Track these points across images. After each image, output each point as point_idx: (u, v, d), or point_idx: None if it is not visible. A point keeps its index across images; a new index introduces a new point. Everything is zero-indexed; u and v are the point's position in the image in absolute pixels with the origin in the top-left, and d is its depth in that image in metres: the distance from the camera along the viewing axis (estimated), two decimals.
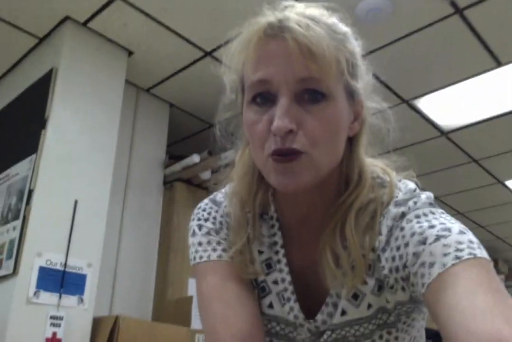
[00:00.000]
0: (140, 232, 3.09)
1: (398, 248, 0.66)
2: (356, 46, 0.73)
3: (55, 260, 2.27)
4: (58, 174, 2.42)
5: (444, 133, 3.84)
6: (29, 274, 2.18)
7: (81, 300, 2.31)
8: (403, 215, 0.68)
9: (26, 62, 2.98)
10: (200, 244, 0.79)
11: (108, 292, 2.80)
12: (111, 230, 2.84)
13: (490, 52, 2.93)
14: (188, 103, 3.48)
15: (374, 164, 0.79)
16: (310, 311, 0.74)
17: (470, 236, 0.64)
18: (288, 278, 0.75)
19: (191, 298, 2.80)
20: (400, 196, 0.72)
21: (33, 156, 2.41)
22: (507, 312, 0.53)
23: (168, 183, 3.31)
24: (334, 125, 0.68)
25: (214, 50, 2.91)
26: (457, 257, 0.59)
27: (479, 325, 0.52)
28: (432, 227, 0.64)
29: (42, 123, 2.47)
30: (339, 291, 0.71)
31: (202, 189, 3.37)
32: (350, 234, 0.69)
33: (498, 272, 6.69)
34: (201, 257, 0.78)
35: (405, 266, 0.64)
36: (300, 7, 0.70)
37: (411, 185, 0.75)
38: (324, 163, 0.68)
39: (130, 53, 2.95)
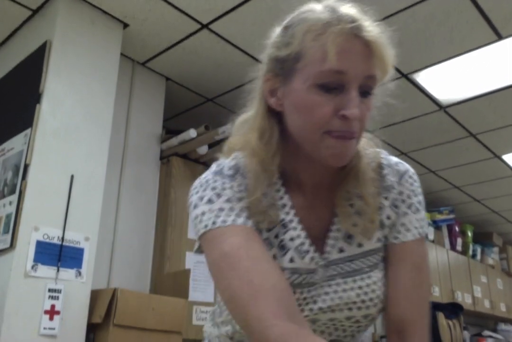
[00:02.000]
0: (137, 206, 3.10)
1: (400, 200, 0.91)
2: None
3: (52, 234, 2.28)
4: (54, 148, 2.41)
5: (442, 107, 3.82)
6: (26, 248, 2.19)
7: (79, 273, 2.33)
8: (402, 173, 0.93)
9: (19, 35, 2.93)
10: (221, 209, 0.83)
11: (106, 265, 2.83)
12: (108, 204, 2.85)
13: (491, 25, 2.90)
14: (185, 77, 3.45)
15: None
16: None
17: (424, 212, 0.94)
18: (303, 233, 0.88)
19: (188, 271, 2.83)
20: (385, 156, 0.95)
21: (28, 130, 2.39)
22: (421, 299, 0.87)
23: (164, 157, 3.31)
24: (370, 114, 0.85)
25: (211, 22, 2.87)
26: (419, 233, 0.90)
27: (398, 308, 0.86)
28: (416, 195, 0.92)
29: (36, 97, 2.45)
30: (340, 227, 0.88)
31: (199, 163, 3.37)
32: (363, 184, 0.88)
33: (493, 244, 6.77)
34: (224, 221, 0.81)
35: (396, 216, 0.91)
36: (355, 10, 0.85)
37: (383, 150, 0.98)
38: (358, 143, 0.86)
39: (125, 25, 2.90)
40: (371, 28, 0.81)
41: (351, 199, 0.89)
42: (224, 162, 0.92)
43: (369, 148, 0.94)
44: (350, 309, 0.85)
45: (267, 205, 0.86)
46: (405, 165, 0.95)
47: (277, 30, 0.90)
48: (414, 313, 0.86)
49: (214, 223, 0.82)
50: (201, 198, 0.86)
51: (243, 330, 0.77)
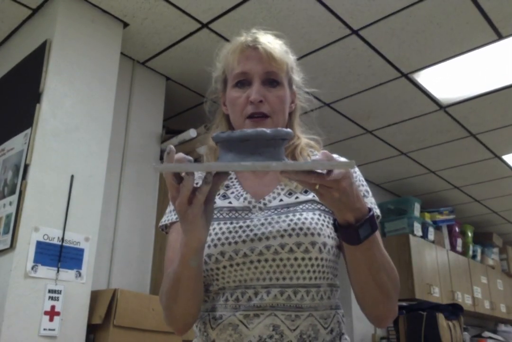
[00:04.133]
0: (137, 206, 3.09)
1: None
2: (292, 58, 1.18)
3: (52, 234, 2.27)
4: (54, 148, 2.40)
5: (442, 107, 3.82)
6: (26, 249, 2.19)
7: (79, 274, 2.32)
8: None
9: (19, 34, 2.93)
10: (169, 212, 1.16)
11: (106, 265, 2.82)
12: (109, 204, 2.84)
13: (491, 24, 2.90)
14: (185, 77, 3.44)
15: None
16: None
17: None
18: (241, 189, 1.13)
19: None
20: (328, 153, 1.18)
21: (28, 130, 2.38)
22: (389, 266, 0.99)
23: None
24: (283, 101, 1.12)
25: (211, 21, 2.87)
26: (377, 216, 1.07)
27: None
28: (363, 185, 1.13)
29: (36, 96, 2.44)
30: (284, 187, 1.11)
31: None
32: (298, 159, 1.13)
33: (493, 245, 6.76)
34: (165, 221, 1.15)
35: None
36: (262, 33, 1.16)
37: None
38: (280, 124, 1.11)
39: (125, 25, 2.90)
40: (266, 41, 1.11)
41: None
42: None
43: (312, 145, 1.19)
44: (282, 236, 1.01)
45: None
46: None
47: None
48: None
49: (164, 220, 1.16)
50: None
51: None
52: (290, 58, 1.17)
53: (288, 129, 0.84)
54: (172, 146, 0.82)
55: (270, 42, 1.13)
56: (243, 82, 1.11)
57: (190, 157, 0.85)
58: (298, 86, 1.21)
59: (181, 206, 0.82)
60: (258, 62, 1.10)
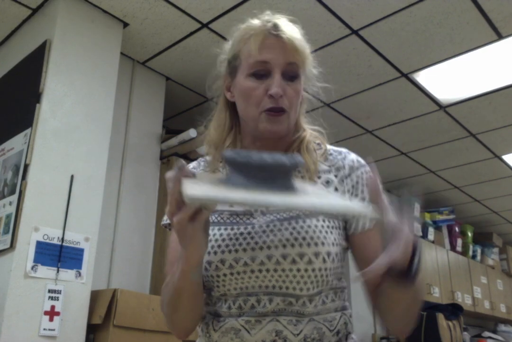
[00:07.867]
0: (137, 206, 3.09)
1: (357, 183, 1.07)
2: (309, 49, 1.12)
3: (52, 234, 2.27)
4: (54, 148, 2.40)
5: (442, 107, 3.82)
6: (26, 249, 2.19)
7: (79, 274, 2.32)
8: (359, 163, 1.10)
9: (19, 34, 2.93)
10: None
11: (106, 265, 2.82)
12: (109, 204, 2.84)
13: (491, 24, 2.89)
14: (185, 77, 3.44)
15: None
16: None
17: None
18: None
19: None
20: (339, 148, 1.15)
21: (28, 130, 2.39)
22: None
23: (164, 157, 3.30)
24: (299, 95, 1.07)
25: (211, 21, 2.87)
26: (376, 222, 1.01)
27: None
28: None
29: (36, 96, 2.44)
30: None
31: None
32: (304, 152, 1.08)
33: (493, 245, 6.76)
34: (168, 219, 1.09)
35: (363, 197, 1.06)
36: (280, 17, 1.10)
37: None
38: (293, 119, 1.07)
39: (125, 24, 2.90)
40: (286, 29, 1.05)
41: None
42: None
43: (319, 139, 1.16)
44: (284, 246, 0.96)
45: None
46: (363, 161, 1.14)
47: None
48: None
49: (165, 219, 1.16)
50: None
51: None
52: (309, 49, 1.10)
53: (301, 158, 0.86)
54: (183, 162, 0.79)
55: (292, 31, 1.07)
56: (261, 72, 1.03)
57: (194, 171, 0.82)
58: (308, 78, 1.14)
59: (182, 222, 0.78)
60: (280, 52, 1.03)
